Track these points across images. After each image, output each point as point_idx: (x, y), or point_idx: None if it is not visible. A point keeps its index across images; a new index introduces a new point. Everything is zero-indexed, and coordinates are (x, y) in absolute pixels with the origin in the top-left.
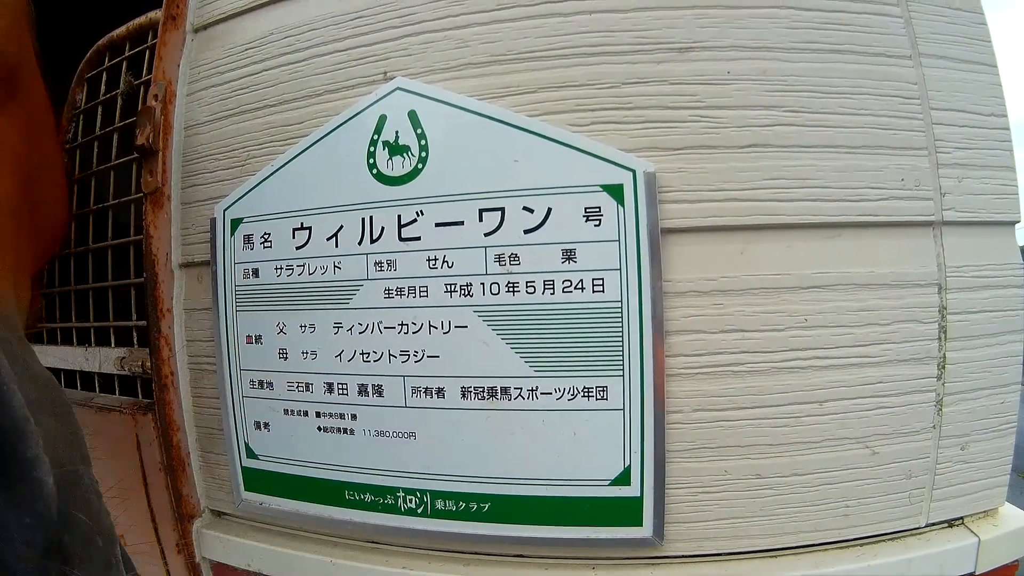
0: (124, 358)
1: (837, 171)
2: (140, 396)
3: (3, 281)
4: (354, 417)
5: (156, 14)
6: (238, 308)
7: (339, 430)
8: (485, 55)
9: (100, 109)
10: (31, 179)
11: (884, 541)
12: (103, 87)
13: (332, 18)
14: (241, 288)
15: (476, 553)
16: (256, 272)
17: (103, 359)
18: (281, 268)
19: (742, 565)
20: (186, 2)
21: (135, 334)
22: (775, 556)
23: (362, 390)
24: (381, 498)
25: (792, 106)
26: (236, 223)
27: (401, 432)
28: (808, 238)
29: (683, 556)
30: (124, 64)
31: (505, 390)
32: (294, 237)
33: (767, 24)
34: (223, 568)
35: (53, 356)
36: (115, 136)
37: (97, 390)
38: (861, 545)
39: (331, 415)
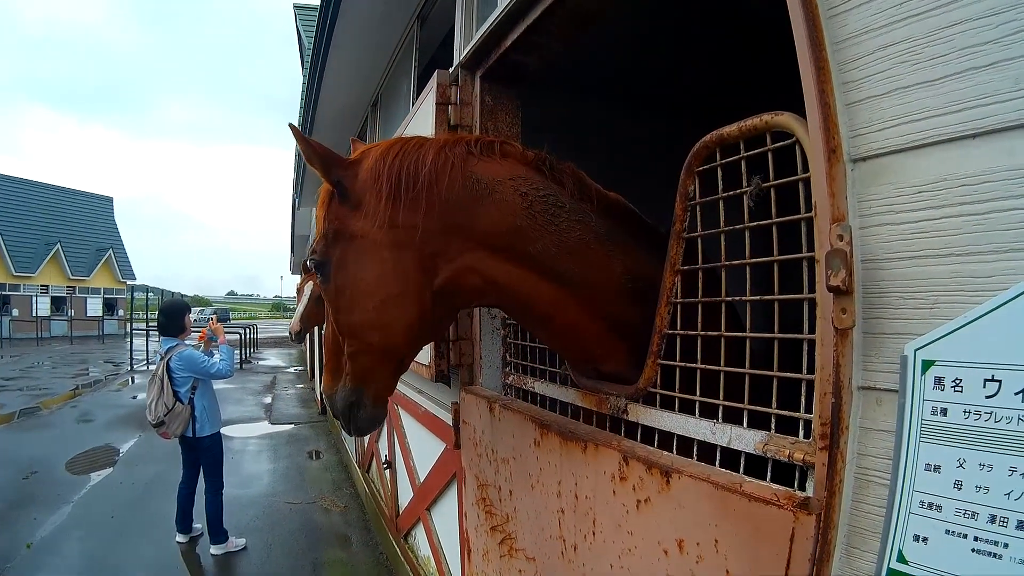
0: (766, 444)
1: None
2: (789, 485)
3: None
4: (1006, 546)
5: (771, 118)
6: (922, 439)
7: (989, 554)
8: None
9: (722, 204)
10: None
11: None
12: (720, 183)
13: (1006, 172)
14: (927, 422)
15: None
16: (944, 411)
17: (734, 437)
18: (969, 412)
19: None
20: (840, 133)
21: (772, 420)
22: None
23: (1020, 525)
24: None
25: None
26: (928, 364)
27: None
28: None
29: None
30: (743, 164)
31: None
32: (984, 387)
33: None
34: None
35: (669, 421)
36: (747, 234)
37: (717, 464)
38: None
39: (986, 541)
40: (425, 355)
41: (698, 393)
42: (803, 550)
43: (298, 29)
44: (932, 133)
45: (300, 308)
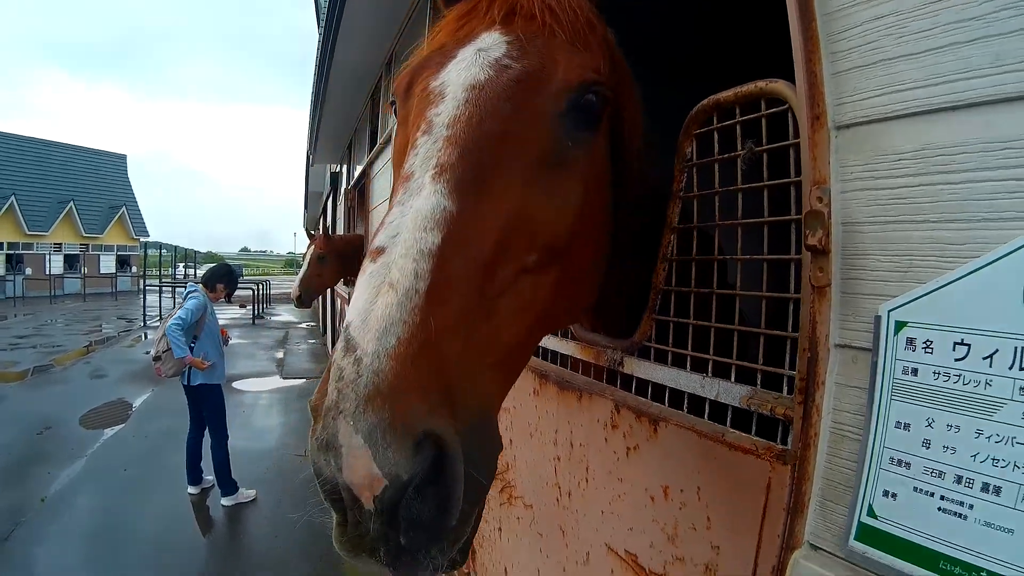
0: (751, 398)
1: None
2: (768, 438)
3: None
4: (971, 507)
5: (766, 84)
6: (892, 397)
7: (954, 514)
8: None
9: (716, 167)
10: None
11: None
12: (716, 146)
13: (982, 144)
14: (898, 381)
15: None
16: (915, 371)
17: (722, 391)
18: (939, 374)
19: None
20: (825, 101)
21: (759, 376)
22: None
23: (984, 488)
24: (967, 573)
25: None
26: (900, 325)
27: (1003, 527)
28: None
29: None
30: (738, 128)
31: None
32: (954, 350)
33: None
34: None
35: (661, 374)
36: (739, 196)
37: (705, 417)
38: None
39: (952, 501)
40: None
41: (689, 348)
42: (779, 500)
43: None
44: (914, 104)
45: (301, 272)
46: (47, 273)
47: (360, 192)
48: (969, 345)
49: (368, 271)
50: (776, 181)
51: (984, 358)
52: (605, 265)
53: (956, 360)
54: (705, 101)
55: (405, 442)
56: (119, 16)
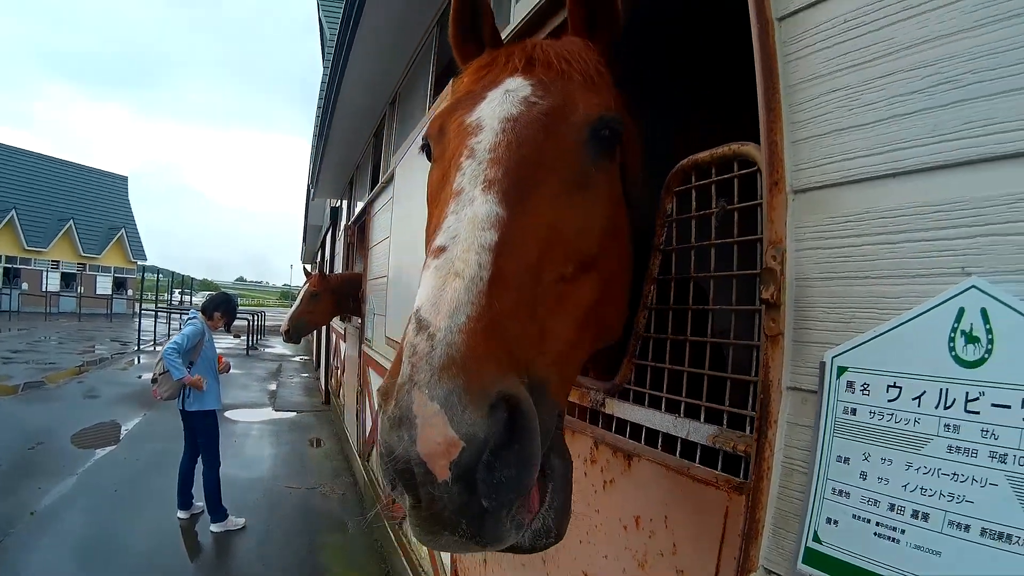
0: (717, 436)
1: None
2: (734, 473)
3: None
4: (903, 532)
5: (739, 147)
6: (834, 434)
7: (888, 538)
8: None
9: (693, 223)
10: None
11: None
12: (693, 203)
13: (916, 208)
14: (840, 420)
15: None
16: (854, 411)
17: (692, 430)
18: (874, 413)
19: None
20: (784, 167)
21: (725, 416)
22: None
23: (914, 514)
24: None
25: None
26: (842, 370)
27: (931, 549)
28: None
29: None
30: (713, 188)
31: (1009, 537)
32: (887, 392)
33: None
34: None
35: (639, 415)
36: (712, 250)
37: (677, 454)
38: None
39: (886, 526)
40: None
41: (664, 390)
42: (735, 526)
43: (320, 20)
44: (861, 171)
45: (293, 307)
46: (43, 290)
47: (360, 229)
48: (900, 387)
49: (432, 266)
50: (743, 238)
51: (913, 399)
52: (630, 286)
53: (889, 401)
54: (685, 161)
55: (481, 402)
56: (124, 33)
